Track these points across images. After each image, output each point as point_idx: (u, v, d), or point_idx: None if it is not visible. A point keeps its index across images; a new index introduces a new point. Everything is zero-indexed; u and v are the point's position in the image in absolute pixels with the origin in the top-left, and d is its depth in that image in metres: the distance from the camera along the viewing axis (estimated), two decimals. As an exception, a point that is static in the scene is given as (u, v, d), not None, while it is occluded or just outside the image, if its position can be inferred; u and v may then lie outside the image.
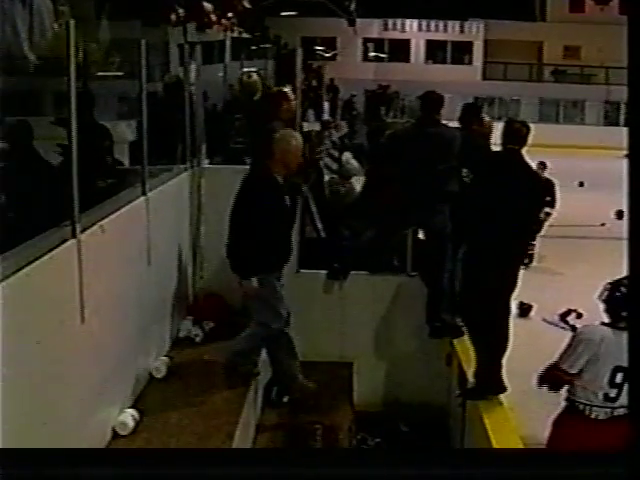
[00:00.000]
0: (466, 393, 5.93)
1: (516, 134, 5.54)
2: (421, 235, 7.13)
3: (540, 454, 2.18)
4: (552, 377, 4.65)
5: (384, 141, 7.77)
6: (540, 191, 5.52)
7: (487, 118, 7.85)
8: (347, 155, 8.69)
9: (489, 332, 5.57)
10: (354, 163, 8.23)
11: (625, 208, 2.06)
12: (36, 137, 4.73)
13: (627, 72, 1.93)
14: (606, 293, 4.56)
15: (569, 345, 4.57)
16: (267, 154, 5.69)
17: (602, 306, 4.57)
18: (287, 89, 7.20)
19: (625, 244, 1.93)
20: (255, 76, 7.69)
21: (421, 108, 6.77)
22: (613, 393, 4.47)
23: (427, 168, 6.27)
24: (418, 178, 6.29)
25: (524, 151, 5.53)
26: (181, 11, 8.16)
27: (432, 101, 6.51)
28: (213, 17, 9.06)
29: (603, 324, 4.55)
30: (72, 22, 4.10)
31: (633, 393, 1.98)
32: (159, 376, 5.89)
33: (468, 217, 5.73)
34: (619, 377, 4.43)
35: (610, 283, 4.57)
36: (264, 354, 6.18)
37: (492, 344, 5.58)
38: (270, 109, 6.82)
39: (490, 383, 5.61)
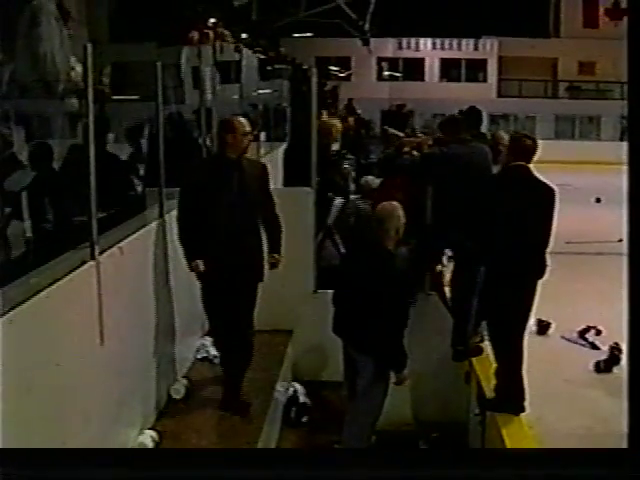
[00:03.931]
0: (486, 404, 5.91)
1: (524, 149, 5.52)
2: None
3: (540, 454, 2.18)
4: None
5: (418, 161, 7.60)
6: (553, 203, 5.47)
7: (504, 134, 7.81)
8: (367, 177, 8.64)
9: (511, 347, 5.58)
10: (375, 181, 8.16)
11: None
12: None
13: (628, 83, 1.90)
14: None
15: None
16: None
17: None
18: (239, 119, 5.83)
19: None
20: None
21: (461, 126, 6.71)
22: None
23: (462, 190, 6.13)
24: (452, 199, 6.24)
25: (531, 165, 5.52)
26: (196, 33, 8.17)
27: (475, 115, 6.46)
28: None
29: None
30: (89, 45, 4.14)
31: (633, 392, 1.97)
32: (178, 397, 5.89)
33: (485, 236, 5.71)
34: None
35: None
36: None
37: (513, 358, 5.58)
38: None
39: (510, 399, 5.60)
